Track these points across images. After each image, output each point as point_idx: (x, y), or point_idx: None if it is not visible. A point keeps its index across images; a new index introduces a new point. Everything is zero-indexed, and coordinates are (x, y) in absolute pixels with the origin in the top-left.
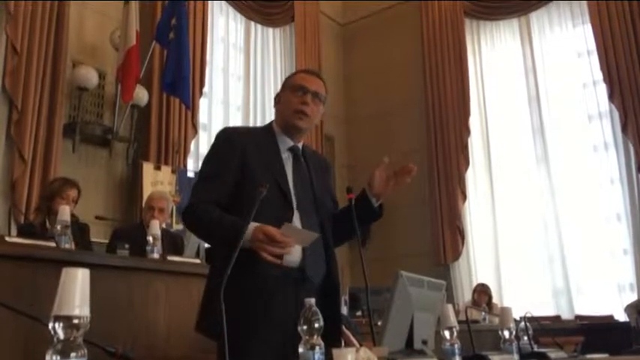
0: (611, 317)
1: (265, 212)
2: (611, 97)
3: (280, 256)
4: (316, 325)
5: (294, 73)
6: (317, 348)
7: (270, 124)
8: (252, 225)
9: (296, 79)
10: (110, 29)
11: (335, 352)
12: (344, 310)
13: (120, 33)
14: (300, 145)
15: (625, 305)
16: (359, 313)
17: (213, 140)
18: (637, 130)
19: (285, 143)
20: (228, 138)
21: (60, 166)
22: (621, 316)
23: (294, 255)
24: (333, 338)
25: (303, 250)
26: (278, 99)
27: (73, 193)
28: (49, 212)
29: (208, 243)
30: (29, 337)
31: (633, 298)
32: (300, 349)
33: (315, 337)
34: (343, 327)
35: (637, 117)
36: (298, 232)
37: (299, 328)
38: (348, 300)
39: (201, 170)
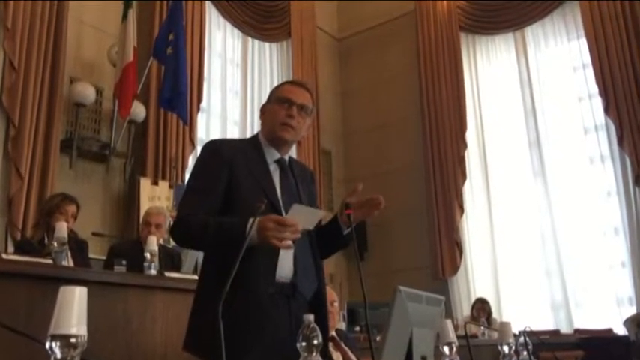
0: (610, 331)
1: None
2: (607, 110)
3: (294, 242)
4: (315, 342)
5: (280, 84)
6: None
7: (256, 135)
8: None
9: (282, 90)
10: (107, 45)
11: None
12: (342, 325)
13: (117, 49)
14: (286, 157)
15: (624, 319)
16: (357, 329)
17: (200, 152)
18: (633, 143)
19: (271, 155)
20: (215, 151)
21: (57, 182)
22: (620, 330)
23: (285, 270)
24: (321, 354)
25: (295, 265)
26: (263, 110)
27: (72, 209)
28: (47, 228)
29: (204, 250)
30: (25, 357)
31: (632, 311)
32: None
33: (314, 353)
34: (342, 343)
35: (633, 130)
36: (305, 212)
37: (297, 345)
38: (347, 315)
39: (188, 184)
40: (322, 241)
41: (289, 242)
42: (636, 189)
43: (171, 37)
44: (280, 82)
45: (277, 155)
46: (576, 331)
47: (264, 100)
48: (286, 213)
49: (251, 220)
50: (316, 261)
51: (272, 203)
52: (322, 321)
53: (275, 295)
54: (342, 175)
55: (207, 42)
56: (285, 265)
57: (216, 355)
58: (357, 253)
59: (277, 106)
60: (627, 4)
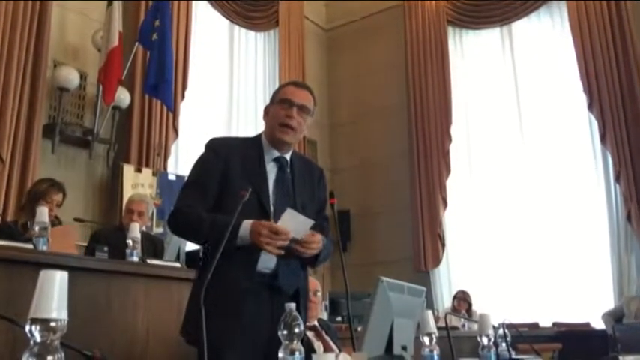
0: (587, 325)
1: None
2: (591, 107)
3: (283, 248)
4: (296, 330)
5: (283, 85)
6: (297, 353)
7: (260, 135)
8: (247, 222)
9: (284, 92)
10: (92, 30)
11: (315, 358)
12: (324, 315)
13: (102, 34)
14: (287, 155)
15: (602, 313)
16: (339, 319)
17: (199, 146)
18: (615, 140)
19: (270, 154)
20: (213, 148)
21: (39, 167)
22: (598, 324)
23: (266, 261)
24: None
25: (278, 257)
26: (267, 111)
27: (58, 197)
28: (32, 213)
29: (196, 242)
30: (5, 340)
31: (610, 306)
32: (280, 354)
33: (295, 341)
34: (323, 333)
35: (615, 127)
36: (297, 219)
37: (279, 333)
38: (329, 305)
39: (187, 178)
40: None
41: (279, 250)
42: (617, 186)
43: (157, 23)
44: (266, 71)
45: (276, 154)
46: (555, 324)
47: (249, 89)
48: (275, 211)
49: (243, 223)
50: (298, 259)
51: (260, 200)
52: (302, 311)
53: (255, 286)
54: (327, 165)
55: (193, 29)
56: (267, 257)
57: (198, 342)
58: (340, 244)
59: (278, 107)
60: (613, 4)
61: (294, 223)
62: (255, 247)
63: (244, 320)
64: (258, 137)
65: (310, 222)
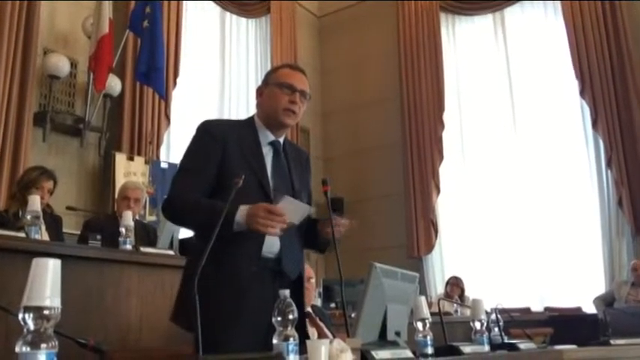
0: (579, 309)
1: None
2: (583, 93)
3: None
4: (290, 317)
5: (278, 67)
6: (291, 339)
7: (252, 117)
8: (244, 206)
9: (282, 75)
10: (82, 17)
11: (309, 343)
12: (318, 302)
13: (93, 21)
14: (281, 139)
15: (594, 298)
16: (333, 305)
17: (194, 132)
18: (607, 126)
19: (266, 137)
20: (209, 130)
21: (30, 156)
22: (589, 308)
23: (269, 246)
24: (298, 328)
25: (281, 241)
26: (261, 92)
27: (49, 184)
28: (23, 202)
29: (191, 229)
30: None
31: (602, 290)
32: (274, 341)
33: (289, 328)
34: (317, 319)
35: (607, 113)
36: (295, 205)
37: (273, 320)
38: (322, 292)
39: (181, 162)
40: (310, 236)
41: (276, 230)
42: (608, 171)
43: (147, 9)
44: (259, 58)
45: (272, 137)
46: (546, 309)
47: (242, 76)
48: (275, 196)
49: (240, 208)
50: (299, 244)
51: (261, 184)
52: (299, 295)
53: (258, 272)
54: (320, 153)
55: (184, 16)
56: (271, 241)
57: (194, 328)
58: (333, 230)
59: (278, 91)
60: None
61: (291, 209)
62: (258, 234)
63: (247, 305)
64: (250, 120)
65: (307, 208)
